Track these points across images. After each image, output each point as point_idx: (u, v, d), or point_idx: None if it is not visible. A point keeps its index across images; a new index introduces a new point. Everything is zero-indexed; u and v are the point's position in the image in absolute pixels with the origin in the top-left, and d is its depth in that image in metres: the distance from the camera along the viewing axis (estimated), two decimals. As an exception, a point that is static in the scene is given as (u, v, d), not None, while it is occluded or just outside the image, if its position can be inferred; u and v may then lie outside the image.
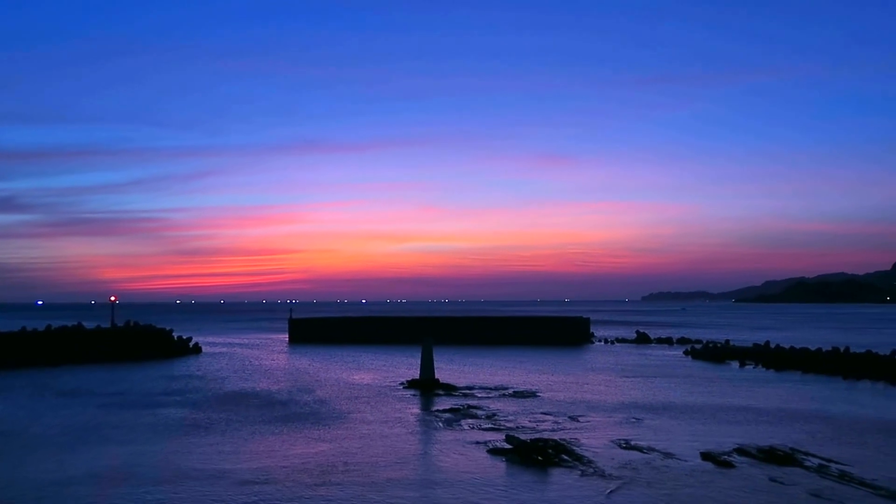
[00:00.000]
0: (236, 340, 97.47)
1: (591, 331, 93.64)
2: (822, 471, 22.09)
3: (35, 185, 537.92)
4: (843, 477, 21.28)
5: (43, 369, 55.87)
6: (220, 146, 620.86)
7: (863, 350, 56.10)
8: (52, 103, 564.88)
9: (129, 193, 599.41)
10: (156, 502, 19.35)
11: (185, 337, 75.78)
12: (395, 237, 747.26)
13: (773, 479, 21.09)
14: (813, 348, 59.23)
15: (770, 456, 23.88)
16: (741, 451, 24.74)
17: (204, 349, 75.47)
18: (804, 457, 23.80)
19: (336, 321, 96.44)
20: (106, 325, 72.21)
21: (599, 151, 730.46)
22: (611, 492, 19.46)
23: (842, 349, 56.70)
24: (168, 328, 75.61)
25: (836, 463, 22.95)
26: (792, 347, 61.65)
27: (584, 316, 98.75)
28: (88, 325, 71.78)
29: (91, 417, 33.66)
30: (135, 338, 69.16)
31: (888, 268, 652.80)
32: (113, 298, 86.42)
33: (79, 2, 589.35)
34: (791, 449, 24.81)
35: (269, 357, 69.82)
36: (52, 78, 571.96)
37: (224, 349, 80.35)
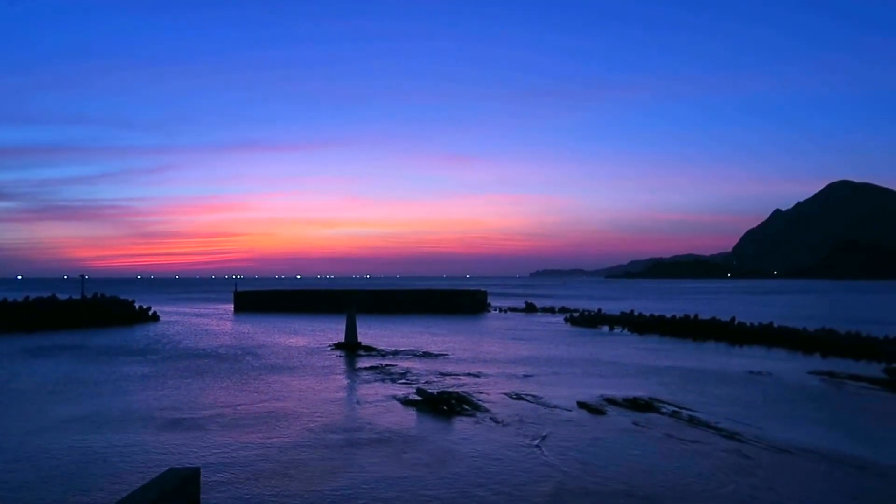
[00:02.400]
0: (189, 310, 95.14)
1: (488, 301, 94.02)
2: (674, 416, 22.62)
3: (17, 176, 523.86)
4: (692, 420, 21.84)
5: (20, 335, 53.57)
6: (176, 145, 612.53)
7: (708, 317, 57.82)
8: (33, 106, 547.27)
9: (98, 185, 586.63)
10: (122, 441, 18.86)
11: (144, 307, 73.56)
12: (326, 223, 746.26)
13: (636, 424, 21.49)
14: (669, 315, 60.77)
15: (633, 404, 24.32)
16: (610, 400, 25.13)
17: (161, 317, 73.39)
18: (661, 404, 24.31)
19: (275, 293, 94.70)
20: (77, 296, 69.82)
21: (497, 152, 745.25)
22: (542, 439, 19.36)
23: (692, 316, 58.30)
24: (130, 299, 73.57)
25: (686, 409, 23.53)
26: (652, 315, 63.10)
27: (483, 289, 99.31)
28: (61, 296, 69.11)
29: (63, 375, 32.36)
30: (101, 307, 67.07)
31: (729, 250, 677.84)
32: (85, 277, 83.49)
33: (52, 20, 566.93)
34: (650, 398, 25.32)
35: (217, 324, 68.27)
36: (32, 84, 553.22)
37: (178, 317, 78.29)
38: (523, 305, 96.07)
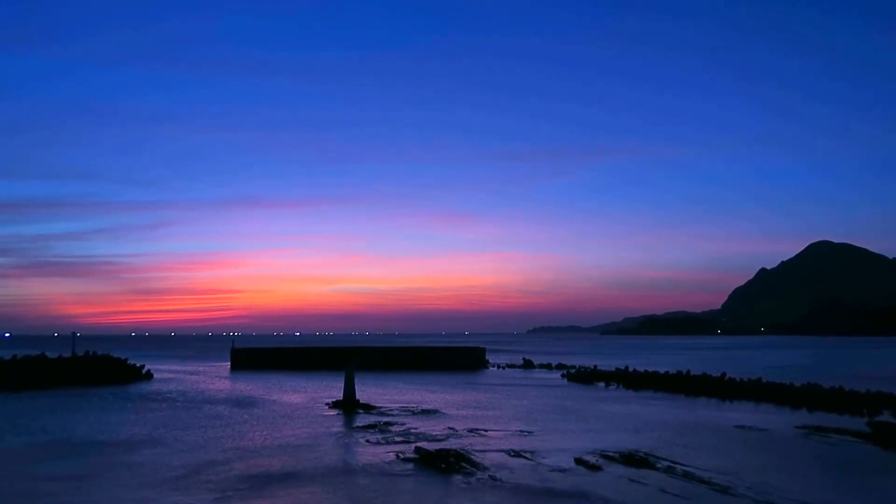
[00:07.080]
0: (184, 368, 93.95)
1: (487, 358, 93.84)
2: (669, 471, 22.73)
3: (7, 232, 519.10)
4: (686, 475, 21.96)
5: (7, 394, 52.32)
6: (173, 201, 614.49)
7: (700, 373, 57.96)
8: (25, 161, 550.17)
9: (91, 240, 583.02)
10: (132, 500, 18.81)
11: (138, 364, 72.20)
12: (325, 280, 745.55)
13: (632, 480, 21.60)
14: (662, 371, 60.91)
15: (629, 460, 24.43)
16: (607, 456, 25.22)
17: (155, 375, 72.29)
18: (656, 459, 24.43)
19: (272, 350, 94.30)
20: (67, 354, 68.41)
21: (493, 211, 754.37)
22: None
23: (684, 372, 58.48)
24: (123, 357, 72.26)
25: (681, 464, 23.66)
26: (646, 371, 63.20)
27: (481, 346, 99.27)
28: (51, 354, 68.01)
29: (51, 435, 32.01)
30: (92, 365, 65.71)
31: (718, 307, 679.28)
32: (77, 334, 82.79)
33: (48, 75, 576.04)
34: (645, 454, 25.44)
35: (213, 381, 67.80)
36: (25, 138, 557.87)
37: (173, 375, 77.50)
38: (521, 362, 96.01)
